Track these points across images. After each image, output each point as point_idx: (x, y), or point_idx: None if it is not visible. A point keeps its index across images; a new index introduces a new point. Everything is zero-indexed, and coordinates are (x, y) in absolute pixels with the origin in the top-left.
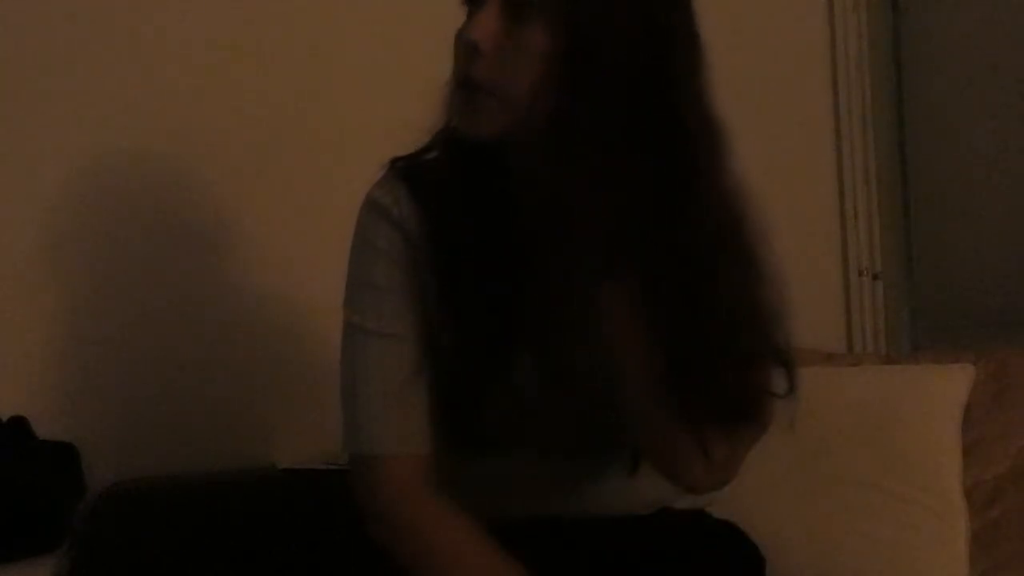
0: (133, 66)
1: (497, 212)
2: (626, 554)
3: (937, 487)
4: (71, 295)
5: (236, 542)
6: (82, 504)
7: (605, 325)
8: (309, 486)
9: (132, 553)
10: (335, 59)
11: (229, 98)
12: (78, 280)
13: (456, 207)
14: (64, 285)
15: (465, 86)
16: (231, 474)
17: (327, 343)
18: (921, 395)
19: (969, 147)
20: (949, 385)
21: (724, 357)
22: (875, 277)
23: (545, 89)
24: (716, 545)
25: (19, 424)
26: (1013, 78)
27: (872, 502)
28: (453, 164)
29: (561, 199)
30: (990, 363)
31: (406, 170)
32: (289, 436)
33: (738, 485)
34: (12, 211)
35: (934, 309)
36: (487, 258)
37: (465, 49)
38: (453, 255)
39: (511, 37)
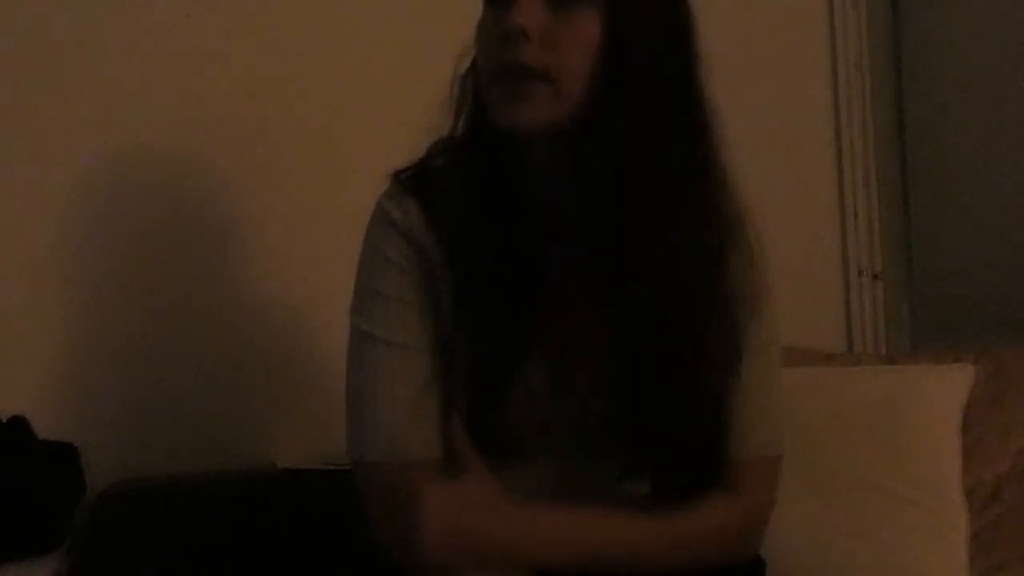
0: (136, 68)
1: (507, 218)
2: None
3: (937, 487)
4: (72, 296)
5: (236, 542)
6: (82, 504)
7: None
8: (309, 486)
9: (132, 553)
10: (342, 60)
11: (230, 102)
12: (79, 281)
13: (466, 216)
14: (65, 286)
15: (513, 73)
16: (231, 474)
17: (327, 344)
18: (921, 395)
19: (969, 147)
20: (949, 385)
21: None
22: (875, 277)
23: (593, 81)
24: None
25: (19, 424)
26: (1013, 78)
27: (872, 502)
28: (460, 171)
29: (613, 187)
30: (990, 363)
31: (414, 179)
32: (289, 436)
33: None
34: (13, 213)
35: (934, 309)
36: (500, 266)
37: (510, 35)
38: (466, 265)
39: (559, 24)
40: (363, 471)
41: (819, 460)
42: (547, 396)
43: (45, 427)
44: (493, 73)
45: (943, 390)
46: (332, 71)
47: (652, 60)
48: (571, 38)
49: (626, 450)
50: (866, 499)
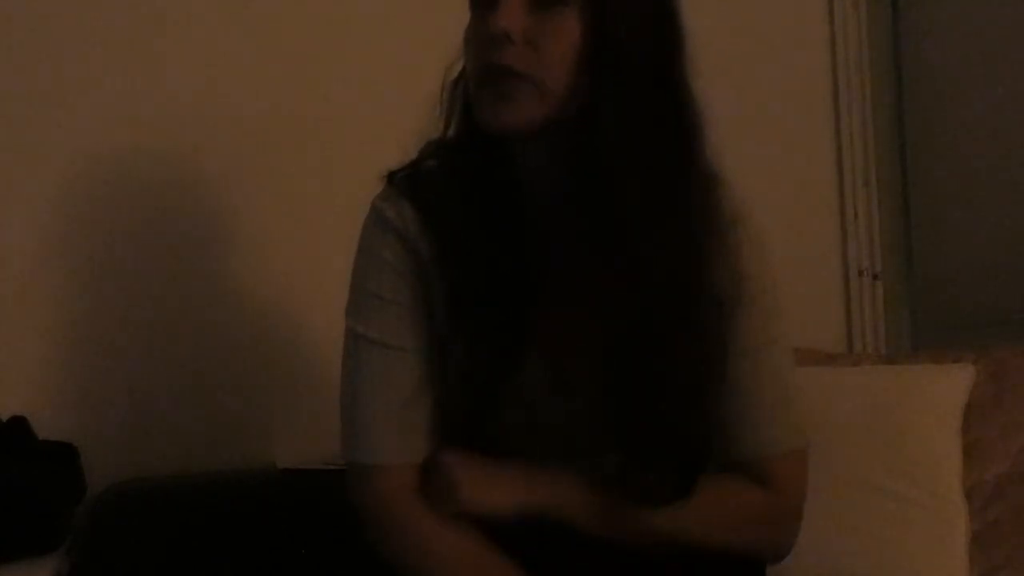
0: (135, 68)
1: (501, 219)
2: (625, 553)
3: (937, 487)
4: (71, 296)
5: (236, 542)
6: (82, 504)
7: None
8: (309, 486)
9: (132, 553)
10: (337, 61)
11: (229, 103)
12: (79, 281)
13: (461, 217)
14: (65, 286)
15: (498, 75)
16: (231, 474)
17: (327, 343)
18: (921, 395)
19: (969, 147)
20: (949, 385)
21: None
22: (875, 277)
23: (578, 79)
24: None
25: (19, 424)
26: (1013, 78)
27: (872, 502)
28: (453, 173)
29: (603, 184)
30: (990, 363)
31: (408, 181)
32: (289, 436)
33: None
34: (12, 212)
35: (934, 309)
36: (495, 267)
37: (494, 39)
38: (461, 266)
39: (542, 26)
40: (357, 472)
41: (819, 460)
42: (545, 397)
43: (45, 427)
44: (479, 75)
45: (943, 390)
46: (330, 72)
47: (634, 57)
48: (553, 39)
49: (623, 450)
50: (866, 499)
